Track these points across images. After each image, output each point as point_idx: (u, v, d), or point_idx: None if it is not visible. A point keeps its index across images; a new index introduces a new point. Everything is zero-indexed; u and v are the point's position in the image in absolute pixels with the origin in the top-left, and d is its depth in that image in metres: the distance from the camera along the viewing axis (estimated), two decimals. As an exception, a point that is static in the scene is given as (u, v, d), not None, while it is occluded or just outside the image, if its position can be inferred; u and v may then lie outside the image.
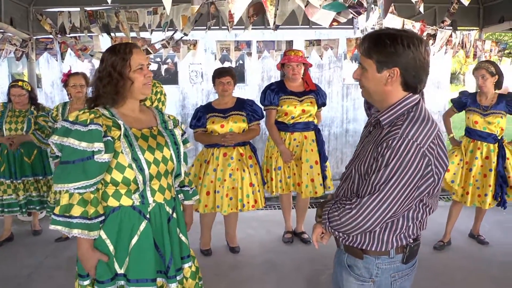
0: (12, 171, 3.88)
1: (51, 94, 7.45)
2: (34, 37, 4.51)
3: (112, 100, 1.68)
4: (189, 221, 2.07)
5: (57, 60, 4.48)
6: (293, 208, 4.10)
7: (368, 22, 2.91)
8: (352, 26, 4.00)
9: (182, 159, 1.84)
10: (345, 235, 1.43)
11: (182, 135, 1.92)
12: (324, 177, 3.75)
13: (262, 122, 3.67)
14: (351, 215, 1.33)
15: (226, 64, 10.70)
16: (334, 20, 2.76)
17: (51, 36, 4.40)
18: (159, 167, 1.71)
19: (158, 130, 1.79)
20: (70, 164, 1.57)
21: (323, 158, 3.77)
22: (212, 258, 3.59)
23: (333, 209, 1.41)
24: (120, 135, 1.63)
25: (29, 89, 3.90)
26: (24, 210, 3.95)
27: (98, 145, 1.56)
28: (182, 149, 1.84)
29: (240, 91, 9.14)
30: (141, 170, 1.64)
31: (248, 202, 3.49)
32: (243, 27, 3.57)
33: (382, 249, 1.44)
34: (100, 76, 1.69)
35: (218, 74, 3.46)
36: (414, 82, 1.39)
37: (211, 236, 3.74)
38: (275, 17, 3.00)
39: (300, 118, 3.66)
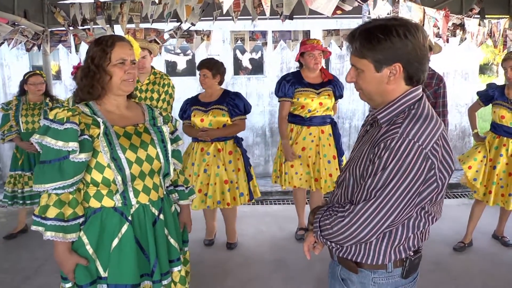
0: (32, 163, 3.92)
1: (70, 86, 7.53)
2: (49, 30, 4.51)
3: (88, 93, 1.60)
4: (187, 221, 1.99)
5: (70, 52, 4.48)
6: (307, 204, 3.98)
7: (379, 11, 2.71)
8: (360, 15, 3.78)
9: (170, 157, 1.75)
10: (338, 246, 1.29)
11: (173, 133, 1.83)
12: None
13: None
14: (344, 223, 1.20)
15: (247, 56, 10.60)
16: (338, 8, 2.57)
17: (65, 28, 4.39)
18: (143, 166, 1.62)
19: (145, 127, 1.70)
20: (46, 164, 1.51)
21: (339, 152, 3.63)
22: (220, 254, 3.52)
23: (325, 217, 1.28)
24: (100, 133, 1.55)
25: (45, 79, 3.92)
26: None
27: (73, 145, 1.49)
28: (169, 147, 1.75)
29: (259, 83, 9.03)
30: (120, 170, 1.57)
31: (223, 199, 3.39)
32: (248, 17, 3.44)
33: (379, 262, 1.30)
34: (82, 67, 1.63)
35: (197, 67, 3.41)
36: (418, 74, 1.24)
37: (214, 227, 3.72)
38: (277, 7, 2.85)
39: (317, 111, 3.51)
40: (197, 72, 3.48)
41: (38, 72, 3.93)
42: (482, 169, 3.41)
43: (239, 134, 3.55)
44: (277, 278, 3.12)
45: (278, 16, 3.44)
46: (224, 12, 2.70)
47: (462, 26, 3.96)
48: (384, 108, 1.26)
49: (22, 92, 3.88)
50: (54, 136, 1.49)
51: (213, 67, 3.33)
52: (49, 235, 1.52)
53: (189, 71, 9.73)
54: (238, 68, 10.14)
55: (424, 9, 3.25)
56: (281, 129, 3.60)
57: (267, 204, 6.13)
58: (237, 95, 3.43)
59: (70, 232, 1.55)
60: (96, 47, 1.59)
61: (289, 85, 3.51)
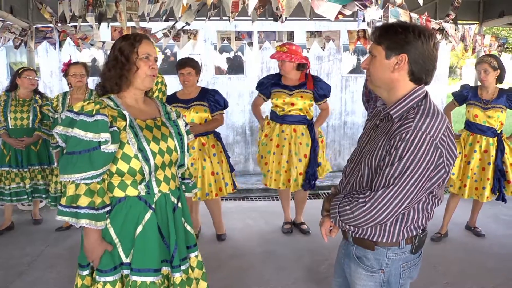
0: (19, 159, 3.89)
1: (49, 84, 7.39)
2: (34, 26, 4.47)
3: (116, 84, 1.68)
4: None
5: (55, 49, 4.45)
6: (291, 199, 4.13)
7: (373, 15, 2.90)
8: (353, 18, 3.99)
9: (186, 149, 1.85)
10: (355, 228, 1.44)
11: (185, 126, 1.93)
12: (315, 176, 3.71)
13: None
14: (365, 208, 1.34)
15: (224, 55, 10.67)
16: (339, 12, 2.76)
17: (51, 25, 4.36)
18: (164, 157, 1.72)
19: (162, 121, 1.79)
20: (75, 155, 1.56)
21: (314, 155, 3.70)
22: (212, 247, 3.62)
23: (344, 203, 1.42)
24: (126, 125, 1.63)
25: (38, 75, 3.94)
26: (30, 198, 3.97)
27: (105, 136, 1.56)
28: (186, 140, 1.85)
29: (240, 82, 9.13)
30: (147, 160, 1.65)
31: (211, 191, 3.54)
32: (244, 18, 3.56)
33: (393, 241, 1.46)
34: (107, 61, 1.71)
35: (179, 65, 3.50)
36: (420, 72, 1.40)
37: (198, 221, 3.83)
38: (277, 9, 2.99)
39: (290, 111, 3.67)
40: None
41: (31, 68, 3.93)
42: (457, 164, 3.66)
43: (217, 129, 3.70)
44: (269, 268, 3.26)
45: (264, 18, 3.56)
46: (250, 13, 2.80)
47: (441, 30, 4.21)
48: (395, 105, 1.42)
49: (13, 87, 3.85)
50: (83, 128, 1.55)
51: (196, 65, 3.49)
52: (83, 222, 1.57)
53: (167, 70, 9.73)
54: (217, 68, 10.22)
55: (410, 14, 3.47)
56: (255, 113, 3.96)
57: (250, 200, 6.26)
58: (216, 91, 3.60)
59: (100, 220, 1.61)
60: (124, 42, 1.69)
61: (268, 83, 3.76)
